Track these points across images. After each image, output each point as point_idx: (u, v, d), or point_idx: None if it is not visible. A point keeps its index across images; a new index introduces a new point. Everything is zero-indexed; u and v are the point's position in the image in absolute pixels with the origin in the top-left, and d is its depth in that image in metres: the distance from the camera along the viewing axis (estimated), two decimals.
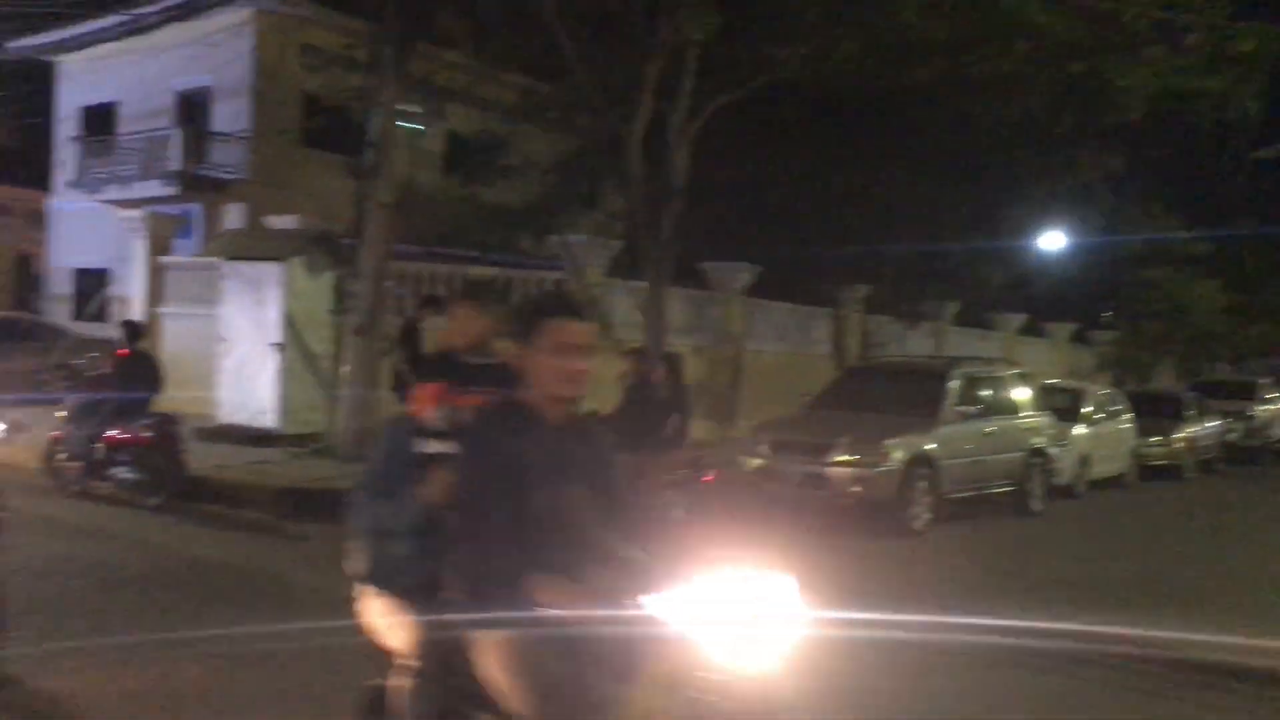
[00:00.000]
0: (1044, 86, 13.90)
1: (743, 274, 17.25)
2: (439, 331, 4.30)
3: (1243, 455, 19.30)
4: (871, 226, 17.21)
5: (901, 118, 15.35)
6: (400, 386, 9.43)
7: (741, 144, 15.21)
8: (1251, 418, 20.59)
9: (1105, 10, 12.08)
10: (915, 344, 20.37)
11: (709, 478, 8.59)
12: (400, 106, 12.20)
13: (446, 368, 3.42)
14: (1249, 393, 21.67)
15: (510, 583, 2.51)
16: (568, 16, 12.12)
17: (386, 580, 2.99)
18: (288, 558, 7.63)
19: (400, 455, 3.07)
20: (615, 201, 16.62)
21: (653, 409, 8.66)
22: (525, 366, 2.72)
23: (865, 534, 9.80)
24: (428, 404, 3.08)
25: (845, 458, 10.10)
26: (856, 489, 10.04)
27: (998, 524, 11.27)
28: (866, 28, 11.86)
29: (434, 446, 3.01)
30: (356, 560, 3.08)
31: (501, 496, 2.57)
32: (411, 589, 2.91)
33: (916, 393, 11.29)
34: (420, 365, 7.61)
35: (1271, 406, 21.53)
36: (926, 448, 10.48)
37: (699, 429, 14.01)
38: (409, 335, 10.11)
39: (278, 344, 12.30)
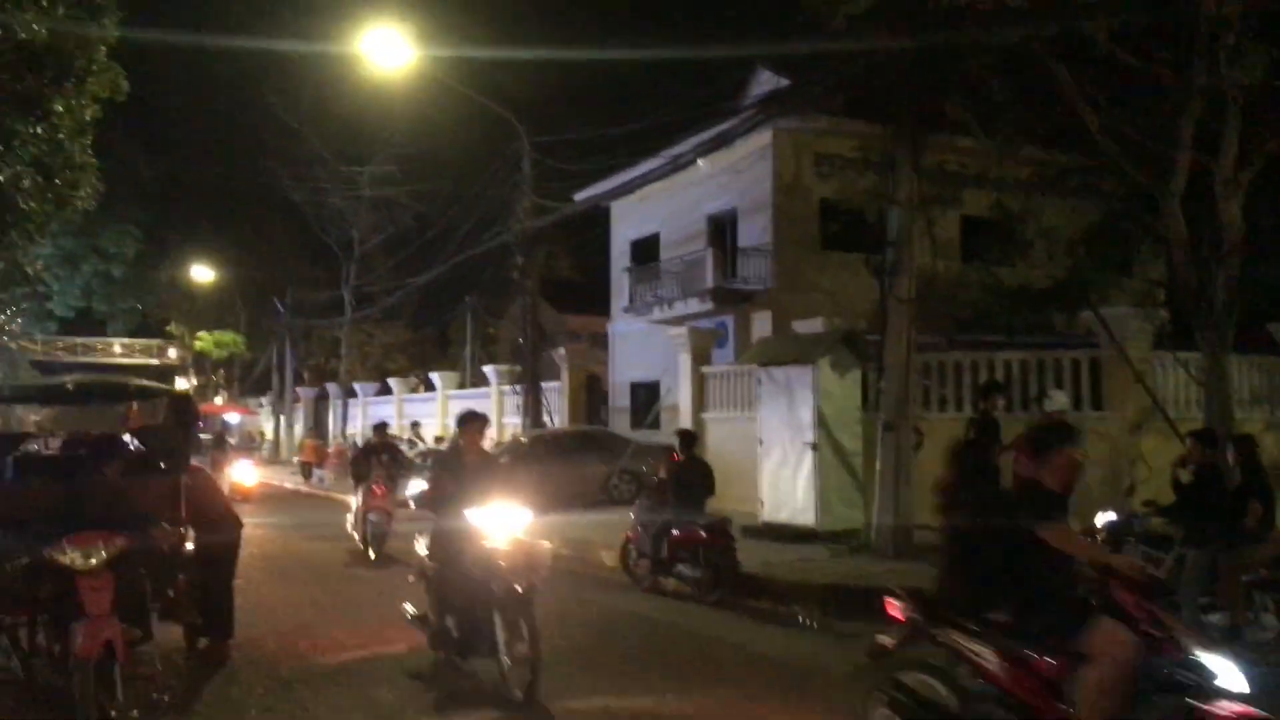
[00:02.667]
0: None
1: None
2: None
3: None
4: None
5: None
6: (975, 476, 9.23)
7: None
8: None
9: None
10: None
11: None
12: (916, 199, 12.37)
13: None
14: None
15: None
16: (1083, 84, 11.57)
17: None
18: (836, 655, 7.82)
19: None
20: (1155, 267, 15.27)
21: (1224, 497, 7.71)
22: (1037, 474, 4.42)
23: None
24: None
25: None
26: None
27: None
28: None
29: None
30: None
31: None
32: None
33: None
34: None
35: None
36: None
37: None
38: (984, 426, 10.12)
39: (811, 443, 12.86)
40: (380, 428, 16.15)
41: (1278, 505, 7.86)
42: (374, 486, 13.84)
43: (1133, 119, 11.84)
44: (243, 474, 22.59)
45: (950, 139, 14.10)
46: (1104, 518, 7.82)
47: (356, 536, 14.06)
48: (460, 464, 7.21)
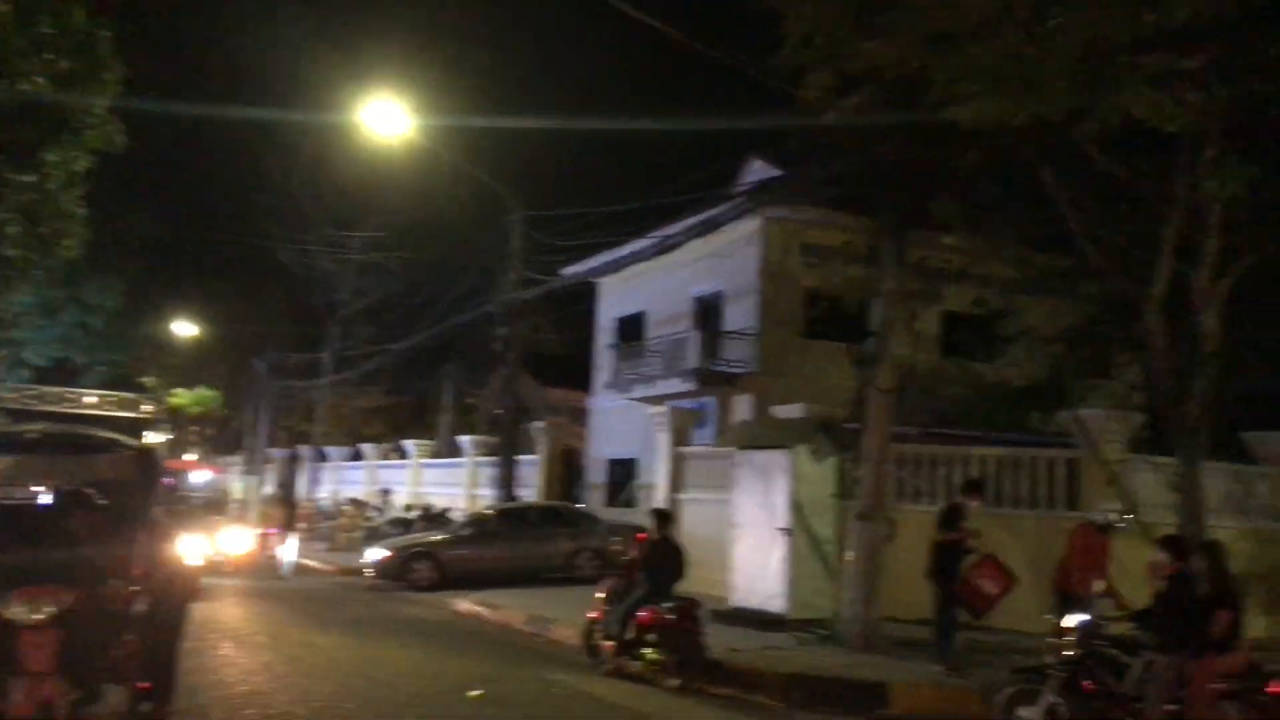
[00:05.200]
0: None
1: None
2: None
3: None
4: None
5: None
6: (942, 568, 10.34)
7: None
8: None
9: None
10: None
11: (1277, 688, 7.30)
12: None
13: None
14: None
15: None
16: (1068, 189, 11.80)
17: None
18: None
19: None
20: (1133, 371, 15.40)
21: (1195, 605, 7.65)
22: None
23: None
24: None
25: None
26: None
27: None
28: None
29: None
30: None
31: None
32: None
33: None
34: None
35: None
36: None
37: (1256, 626, 12.09)
38: (951, 517, 10.59)
39: (785, 529, 12.77)
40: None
41: (1245, 614, 7.82)
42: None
43: (1116, 225, 12.05)
44: (231, 541, 20.55)
45: (935, 235, 14.30)
46: (1074, 619, 7.73)
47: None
48: None
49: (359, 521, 25.41)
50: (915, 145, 11.40)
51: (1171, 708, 7.19)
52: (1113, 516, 10.42)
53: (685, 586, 10.56)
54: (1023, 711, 7.48)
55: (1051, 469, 13.92)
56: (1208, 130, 10.53)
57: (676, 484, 18.39)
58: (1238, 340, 12.42)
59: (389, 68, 30.11)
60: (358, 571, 18.90)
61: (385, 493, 28.01)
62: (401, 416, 38.34)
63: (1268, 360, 14.14)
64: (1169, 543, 8.24)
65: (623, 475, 23.08)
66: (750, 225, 20.06)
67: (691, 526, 16.39)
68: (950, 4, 9.05)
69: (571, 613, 12.19)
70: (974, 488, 11.12)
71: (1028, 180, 12.21)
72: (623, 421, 23.04)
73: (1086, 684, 7.40)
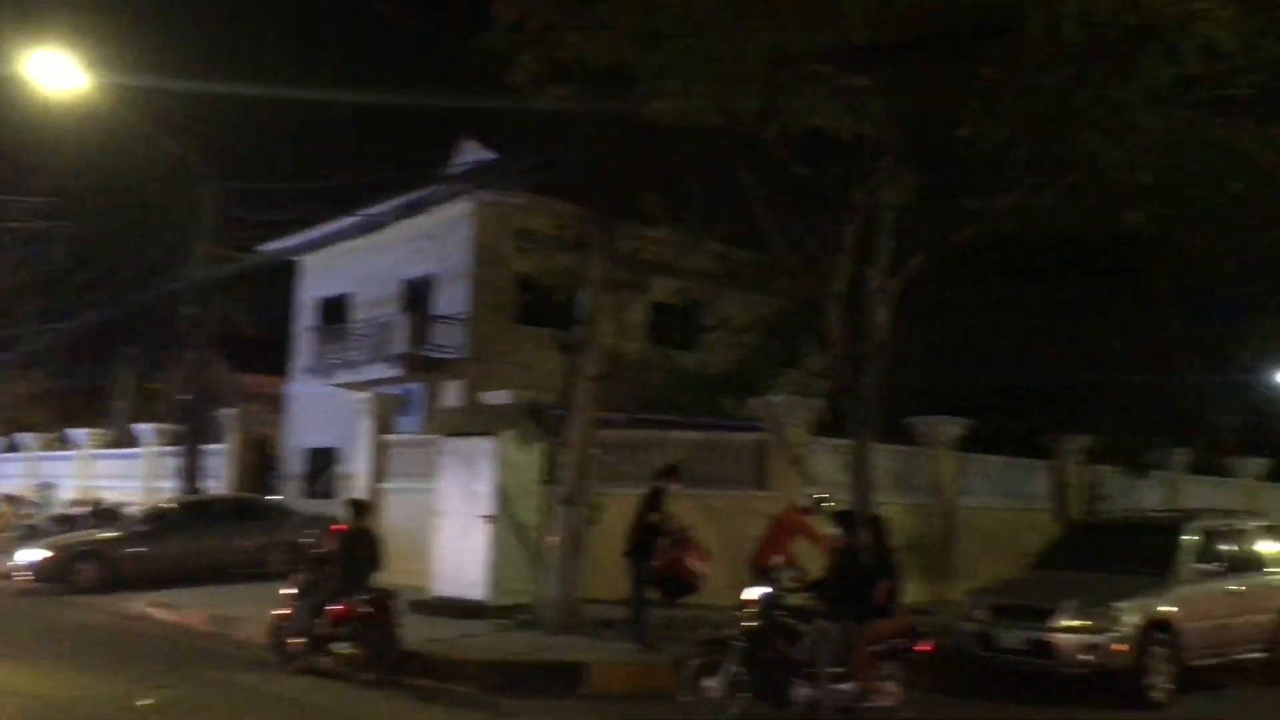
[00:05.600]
0: (1266, 218, 13.04)
1: (952, 428, 16.69)
2: None
3: None
4: (1089, 373, 16.42)
5: (1115, 258, 14.76)
6: (639, 548, 10.76)
7: (946, 297, 14.97)
8: None
9: None
10: (1144, 496, 18.94)
11: (925, 647, 8.11)
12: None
13: None
14: None
15: None
16: (763, 189, 12.49)
17: None
18: None
19: None
20: (817, 361, 16.58)
21: (860, 574, 8.35)
22: None
23: (1098, 706, 9.04)
24: None
25: (1073, 623, 9.40)
26: (1087, 657, 9.28)
27: (1250, 694, 10.17)
28: (1067, 178, 11.60)
29: None
30: None
31: None
32: None
33: (1149, 550, 10.51)
34: None
35: None
36: (1164, 610, 9.63)
37: (913, 592, 13.36)
38: (653, 500, 10.94)
39: (488, 516, 12.71)
40: None
41: (905, 582, 8.64)
42: None
43: (804, 226, 12.89)
44: None
45: (643, 228, 14.71)
46: (755, 592, 8.20)
47: None
48: None
49: (11, 520, 22.67)
50: (623, 138, 11.66)
51: (839, 669, 7.80)
52: (817, 498, 11.15)
53: (387, 578, 10.25)
54: (707, 682, 7.84)
55: (742, 452, 14.73)
56: (883, 141, 11.49)
57: (380, 473, 17.88)
58: (908, 332, 13.65)
59: (61, 19, 27.12)
60: (7, 575, 16.92)
61: (47, 487, 25.30)
62: (72, 403, 34.80)
63: (932, 353, 15.71)
64: (839, 518, 8.96)
65: (323, 465, 22.16)
66: (462, 208, 19.80)
67: (395, 516, 16.00)
68: (652, 4, 9.31)
69: (259, 611, 11.48)
70: (672, 472, 11.54)
71: (729, 180, 12.83)
72: (323, 408, 22.08)
73: (765, 653, 7.88)
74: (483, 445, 13.07)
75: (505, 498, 12.77)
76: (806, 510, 11.05)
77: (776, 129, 10.28)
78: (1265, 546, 11.39)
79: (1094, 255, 14.66)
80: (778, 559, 9.86)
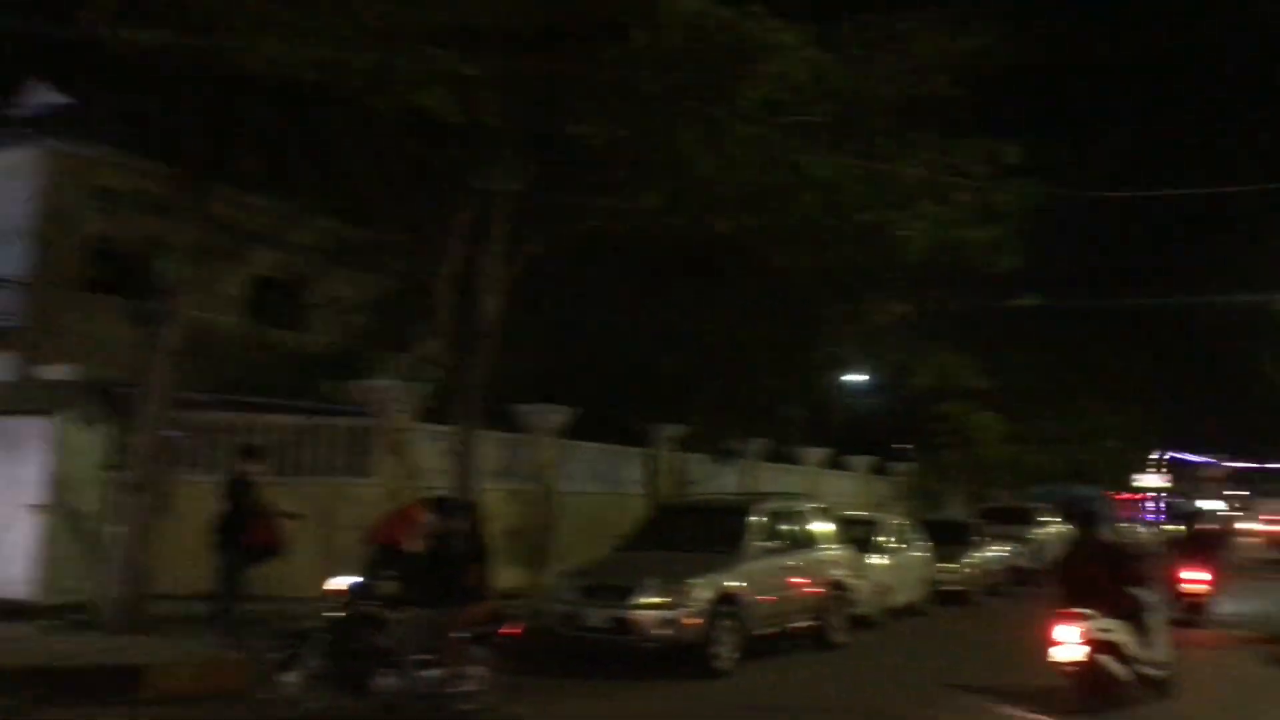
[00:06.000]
0: (833, 236, 14.65)
1: (556, 415, 17.14)
2: None
3: (1024, 577, 20.32)
4: (682, 367, 17.59)
5: (708, 262, 15.87)
6: (227, 532, 10.14)
7: (557, 287, 15.33)
8: (1030, 541, 21.98)
9: (884, 169, 12.93)
10: (726, 481, 20.65)
11: (513, 630, 8.20)
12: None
13: None
14: (1027, 518, 23.29)
15: None
16: (375, 162, 12.05)
17: None
18: None
19: None
20: (429, 345, 16.34)
21: (452, 560, 8.29)
22: None
23: (669, 677, 9.65)
24: None
25: (652, 600, 9.97)
26: (663, 631, 9.89)
27: (802, 659, 11.31)
28: (668, 183, 12.26)
29: None
30: None
31: None
32: None
33: (721, 530, 11.41)
34: None
35: (1048, 530, 23.03)
36: (731, 585, 10.49)
37: (512, 577, 13.55)
38: (239, 488, 10.28)
39: (37, 505, 11.24)
40: None
41: (498, 567, 8.70)
42: None
43: (417, 206, 12.61)
44: None
45: (242, 194, 13.69)
46: (341, 581, 7.88)
47: None
48: None
49: None
50: (218, 94, 10.76)
51: (426, 657, 7.68)
52: (441, 493, 10.85)
53: None
54: (286, 677, 7.42)
55: (343, 438, 14.17)
56: (499, 130, 11.50)
57: None
58: (518, 320, 13.80)
59: None
60: None
61: None
62: None
63: (542, 342, 16.04)
64: (434, 504, 8.86)
65: None
66: (22, 155, 17.33)
67: None
68: None
69: None
70: (251, 453, 10.79)
71: (339, 152, 12.25)
72: None
73: (350, 644, 7.58)
74: (33, 426, 11.55)
75: (61, 485, 11.36)
76: (428, 504, 10.73)
77: (386, 104, 9.97)
78: (819, 526, 12.81)
79: (693, 257, 15.67)
80: (370, 548, 9.55)
